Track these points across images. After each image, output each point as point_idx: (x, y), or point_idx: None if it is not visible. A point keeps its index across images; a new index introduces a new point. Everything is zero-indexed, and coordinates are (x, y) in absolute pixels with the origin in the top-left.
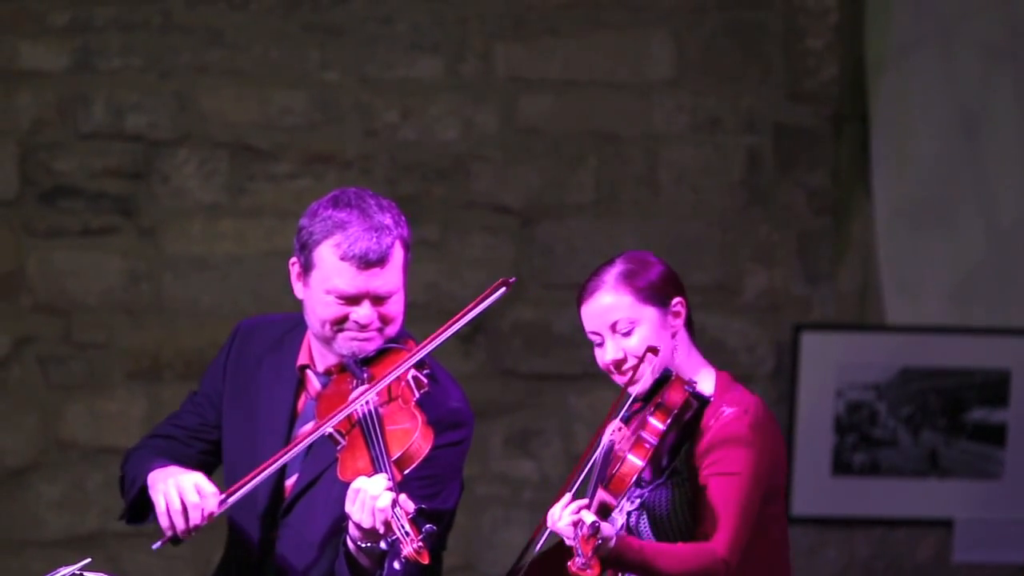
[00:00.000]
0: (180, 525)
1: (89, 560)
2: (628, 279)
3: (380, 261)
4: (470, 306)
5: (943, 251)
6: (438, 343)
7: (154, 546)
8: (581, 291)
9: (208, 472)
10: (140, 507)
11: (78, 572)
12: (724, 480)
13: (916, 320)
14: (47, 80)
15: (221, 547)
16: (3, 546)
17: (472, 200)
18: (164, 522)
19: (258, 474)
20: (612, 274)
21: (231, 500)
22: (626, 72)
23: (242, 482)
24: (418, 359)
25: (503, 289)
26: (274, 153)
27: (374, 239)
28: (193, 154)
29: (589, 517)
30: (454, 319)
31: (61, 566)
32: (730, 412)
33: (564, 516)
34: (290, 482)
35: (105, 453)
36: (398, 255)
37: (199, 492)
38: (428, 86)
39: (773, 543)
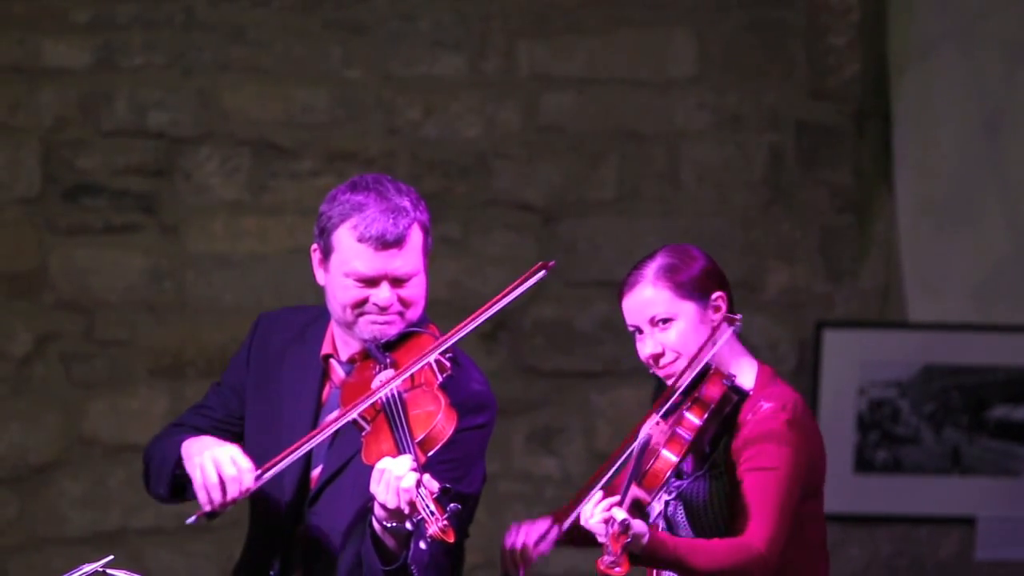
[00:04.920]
0: (217, 499)
1: (111, 557)
2: (668, 273)
3: (397, 242)
4: (510, 287)
5: (966, 248)
6: (477, 323)
7: (189, 520)
8: (622, 284)
9: None
10: (176, 484)
11: (101, 569)
12: (761, 475)
13: (938, 317)
14: (70, 77)
15: (242, 543)
16: (26, 543)
17: (494, 197)
18: (202, 496)
19: (292, 452)
20: (652, 268)
21: (267, 476)
22: (648, 69)
23: (277, 459)
24: (453, 342)
25: (542, 273)
26: (296, 150)
27: (391, 220)
28: (215, 151)
29: (620, 515)
30: (493, 300)
31: (84, 563)
32: (768, 407)
33: (596, 514)
34: (316, 473)
35: (128, 450)
36: (416, 237)
37: (236, 466)
38: (450, 83)
39: (809, 543)
